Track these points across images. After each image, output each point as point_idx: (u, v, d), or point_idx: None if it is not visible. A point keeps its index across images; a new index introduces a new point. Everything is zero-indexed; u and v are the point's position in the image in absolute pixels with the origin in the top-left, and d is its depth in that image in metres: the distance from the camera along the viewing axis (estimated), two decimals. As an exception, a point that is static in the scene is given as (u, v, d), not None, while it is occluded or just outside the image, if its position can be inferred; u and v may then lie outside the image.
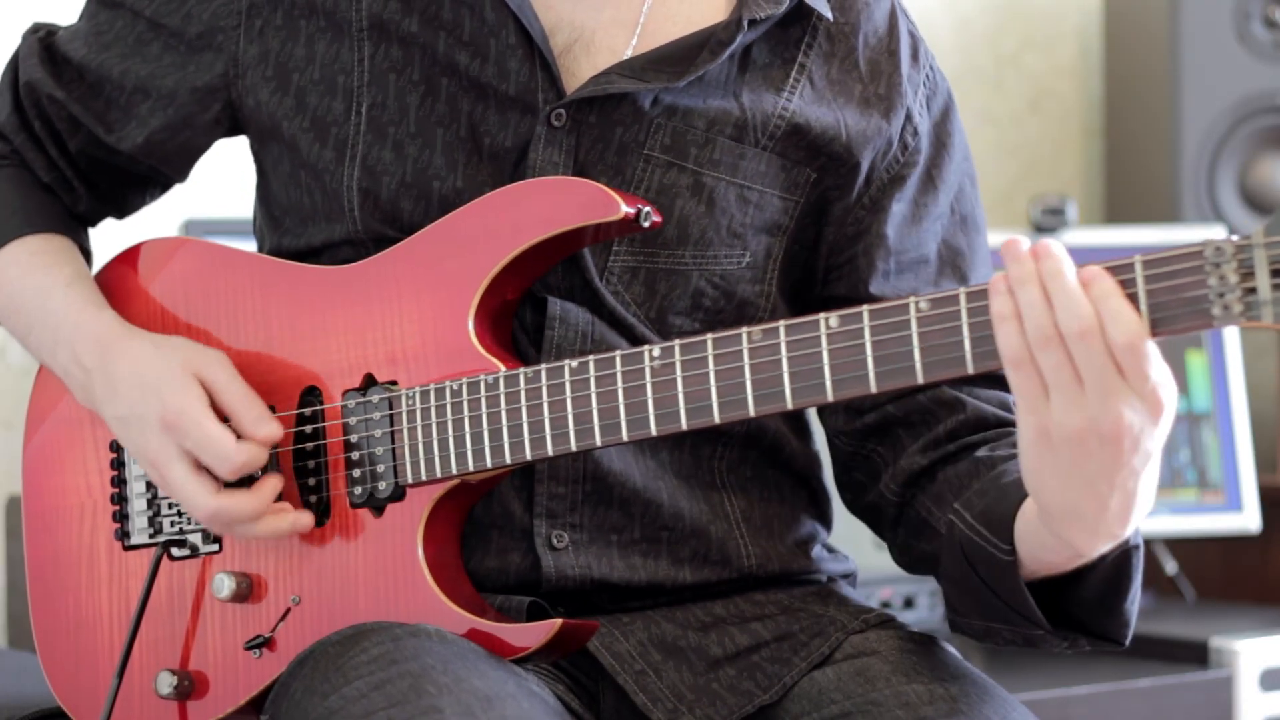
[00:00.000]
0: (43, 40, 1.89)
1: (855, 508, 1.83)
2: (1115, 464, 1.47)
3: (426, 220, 1.73)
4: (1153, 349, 1.45)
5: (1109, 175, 3.70)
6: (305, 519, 1.71)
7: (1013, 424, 1.71)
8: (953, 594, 1.67)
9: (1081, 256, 1.46)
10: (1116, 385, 1.44)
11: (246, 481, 1.71)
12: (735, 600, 1.78)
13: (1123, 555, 1.57)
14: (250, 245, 1.87)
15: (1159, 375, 1.45)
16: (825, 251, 1.80)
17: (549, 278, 1.73)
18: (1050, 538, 1.54)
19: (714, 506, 1.77)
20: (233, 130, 1.86)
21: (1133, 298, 1.44)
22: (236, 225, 2.53)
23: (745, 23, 1.72)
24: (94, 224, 1.94)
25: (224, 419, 1.71)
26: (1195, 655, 2.94)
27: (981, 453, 1.72)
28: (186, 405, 1.70)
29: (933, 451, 1.75)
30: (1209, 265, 1.42)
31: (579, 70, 1.75)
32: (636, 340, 1.73)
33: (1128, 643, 1.63)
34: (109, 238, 1.98)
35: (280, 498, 1.72)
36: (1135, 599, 1.61)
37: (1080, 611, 1.61)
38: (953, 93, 1.85)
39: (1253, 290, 1.41)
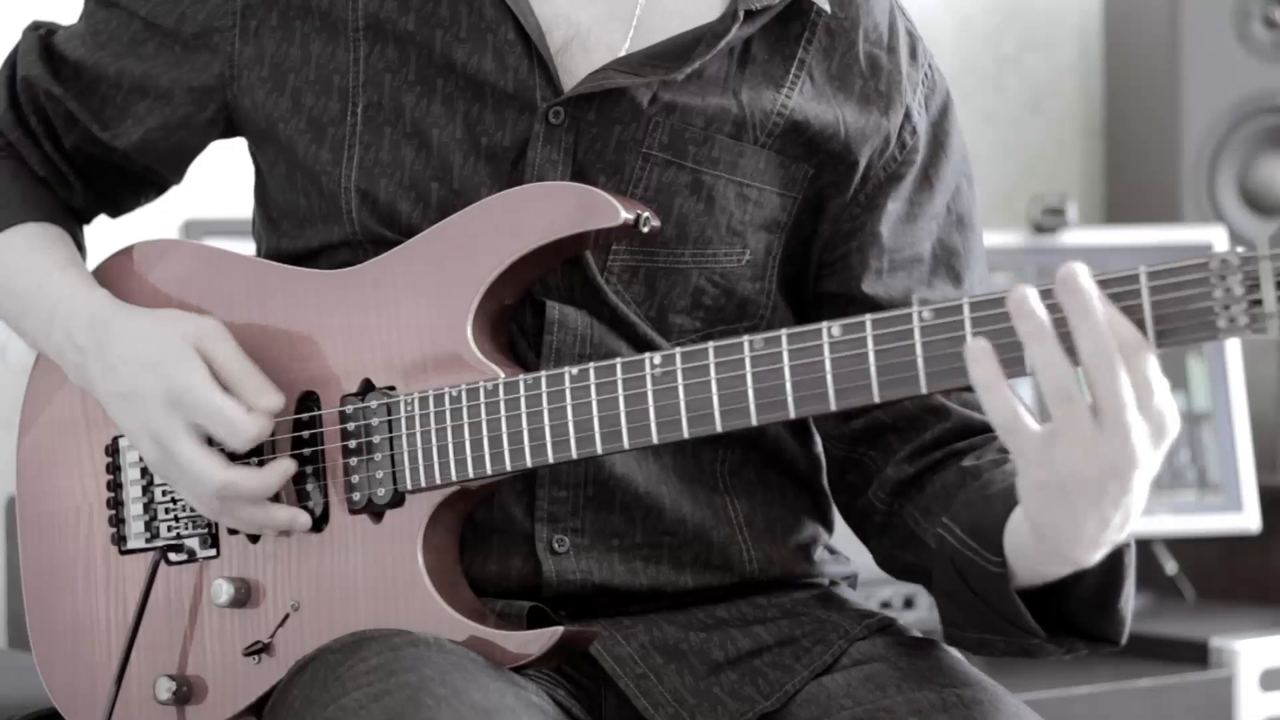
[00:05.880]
0: (42, 38, 1.89)
1: (848, 512, 1.83)
2: (1123, 491, 1.48)
3: (425, 221, 1.72)
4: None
5: (1109, 175, 3.69)
6: (304, 517, 1.70)
7: None
8: (946, 607, 1.66)
9: (1081, 257, 1.46)
10: (1133, 419, 1.44)
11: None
12: (737, 603, 1.78)
13: (1114, 555, 1.56)
14: (249, 246, 1.86)
15: (1163, 401, 1.46)
16: (819, 248, 1.80)
17: (548, 279, 1.72)
18: (1047, 553, 1.54)
19: (716, 510, 1.77)
20: (228, 132, 1.85)
21: (1137, 309, 1.44)
22: (236, 225, 2.52)
23: (740, 14, 1.72)
24: (88, 220, 1.93)
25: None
26: (1195, 655, 2.94)
27: (968, 461, 1.72)
28: (193, 380, 1.69)
29: (920, 459, 1.75)
30: (1214, 277, 1.42)
31: (576, 68, 1.74)
32: (637, 340, 1.73)
33: (1124, 641, 1.62)
34: (106, 238, 1.97)
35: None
36: (1130, 597, 1.60)
37: (1076, 613, 1.61)
38: (951, 92, 1.85)
39: (1258, 302, 1.41)
